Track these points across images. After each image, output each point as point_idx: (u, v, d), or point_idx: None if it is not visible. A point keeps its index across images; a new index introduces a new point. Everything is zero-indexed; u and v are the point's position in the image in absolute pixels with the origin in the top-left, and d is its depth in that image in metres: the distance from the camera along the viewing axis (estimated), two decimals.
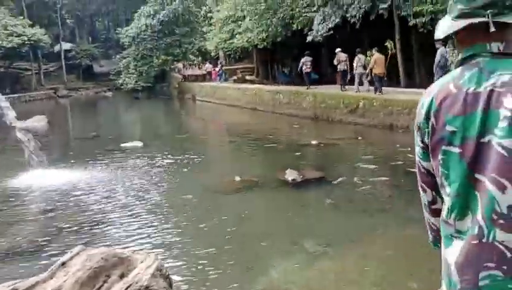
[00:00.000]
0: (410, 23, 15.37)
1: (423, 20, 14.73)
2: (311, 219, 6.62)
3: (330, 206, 7.08)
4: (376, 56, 15.02)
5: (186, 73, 33.40)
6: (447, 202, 1.32)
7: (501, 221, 1.20)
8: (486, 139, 1.24)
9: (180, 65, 35.09)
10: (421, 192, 1.47)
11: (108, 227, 6.45)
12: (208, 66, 30.94)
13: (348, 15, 17.02)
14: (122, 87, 37.42)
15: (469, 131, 1.25)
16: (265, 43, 22.41)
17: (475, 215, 1.25)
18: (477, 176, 1.25)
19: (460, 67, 1.33)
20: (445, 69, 12.99)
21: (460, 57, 1.36)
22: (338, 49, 17.17)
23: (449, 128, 1.28)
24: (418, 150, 1.42)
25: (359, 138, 12.45)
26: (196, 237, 6.02)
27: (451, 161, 1.29)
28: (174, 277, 4.15)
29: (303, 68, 18.77)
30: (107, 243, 5.53)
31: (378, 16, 16.39)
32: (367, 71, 15.55)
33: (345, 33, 19.31)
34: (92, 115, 27.11)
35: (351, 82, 16.83)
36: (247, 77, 28.19)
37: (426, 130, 1.35)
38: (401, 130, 12.97)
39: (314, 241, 5.68)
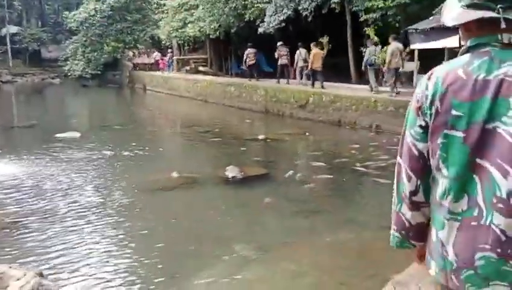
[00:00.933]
0: (362, 19, 15.27)
1: (374, 16, 14.65)
2: (247, 220, 6.25)
3: (268, 206, 6.73)
4: (314, 51, 15.23)
5: (136, 61, 32.28)
6: (443, 184, 1.34)
7: (500, 205, 1.24)
8: (491, 125, 1.26)
9: (131, 53, 33.90)
10: (404, 181, 1.43)
11: (15, 234, 5.69)
12: (157, 55, 30.01)
13: (300, 8, 16.74)
14: (69, 74, 35.72)
15: (475, 117, 1.27)
16: (217, 33, 21.84)
17: (473, 198, 1.29)
18: (478, 161, 1.28)
19: (468, 54, 1.34)
20: (373, 67, 13.42)
21: (468, 44, 1.36)
22: (279, 43, 17.29)
23: (455, 112, 1.30)
24: (414, 131, 1.40)
25: (307, 133, 12.19)
26: (118, 243, 5.49)
27: (452, 144, 1.31)
28: None
29: (246, 60, 18.68)
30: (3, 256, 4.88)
31: (330, 10, 16.20)
32: (308, 65, 15.72)
33: (299, 26, 19.07)
34: (34, 103, 25.68)
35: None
36: (201, 68, 27.52)
37: (428, 112, 1.35)
38: (349, 126, 12.84)
39: (246, 245, 5.31)
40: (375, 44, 13.55)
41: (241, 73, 23.80)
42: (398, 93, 12.41)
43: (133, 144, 11.40)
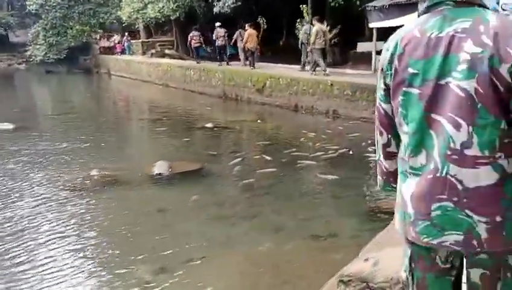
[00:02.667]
0: None
1: None
2: (159, 229, 5.40)
3: (190, 211, 5.91)
4: (249, 31, 15.23)
5: (100, 45, 30.88)
6: (404, 139, 1.41)
7: (454, 156, 1.30)
8: (444, 81, 1.31)
9: (97, 37, 32.39)
10: (378, 135, 1.54)
11: None
12: (116, 38, 28.71)
13: None
14: (31, 60, 34.10)
15: (429, 73, 1.33)
16: (177, 14, 20.68)
17: (430, 152, 1.35)
18: (433, 116, 1.33)
19: (425, 15, 1.39)
20: (307, 45, 13.15)
21: (425, 5, 1.40)
22: (217, 24, 17.10)
23: (411, 70, 1.35)
24: (379, 93, 1.48)
25: (259, 120, 11.33)
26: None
27: (410, 101, 1.36)
28: None
29: (191, 43, 18.49)
30: None
31: None
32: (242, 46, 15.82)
33: (263, 5, 18.12)
34: None
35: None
36: (167, 51, 26.28)
37: (389, 72, 1.41)
38: (306, 111, 12.03)
39: (152, 264, 4.51)
40: (311, 23, 13.28)
41: (207, 56, 22.80)
42: (326, 72, 12.32)
43: (71, 135, 10.46)
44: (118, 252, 4.84)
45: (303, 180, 7.02)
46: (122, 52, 27.46)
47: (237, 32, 16.41)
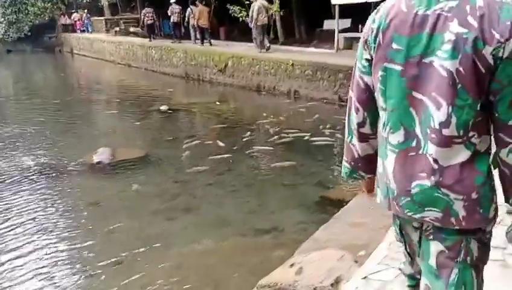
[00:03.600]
0: None
1: None
2: (91, 225, 4.91)
3: (128, 203, 5.44)
4: (200, 8, 15.23)
5: (61, 22, 29.54)
6: (382, 116, 1.39)
7: (433, 135, 1.30)
8: (428, 60, 1.29)
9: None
10: (353, 113, 1.49)
11: None
12: (75, 16, 27.52)
13: None
14: None
15: (413, 51, 1.30)
16: None
17: (409, 130, 1.33)
18: (414, 94, 1.31)
19: None
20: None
21: None
22: (172, 0, 16.73)
23: (394, 46, 1.32)
24: (361, 64, 1.44)
25: (217, 102, 10.79)
26: None
27: (390, 77, 1.33)
28: None
29: (144, 20, 18.25)
30: None
31: None
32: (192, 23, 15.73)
33: None
34: None
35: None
36: (131, 29, 25.26)
37: (373, 45, 1.38)
38: (268, 92, 11.56)
39: (71, 266, 4.04)
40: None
41: (171, 34, 21.98)
42: (268, 49, 12.43)
43: (16, 119, 9.78)
44: (35, 254, 4.33)
45: (255, 168, 6.59)
46: (83, 30, 26.33)
47: (188, 9, 15.93)
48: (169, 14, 16.93)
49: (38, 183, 5.99)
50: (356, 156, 1.54)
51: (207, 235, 4.57)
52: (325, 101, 10.09)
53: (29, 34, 31.86)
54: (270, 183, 6.00)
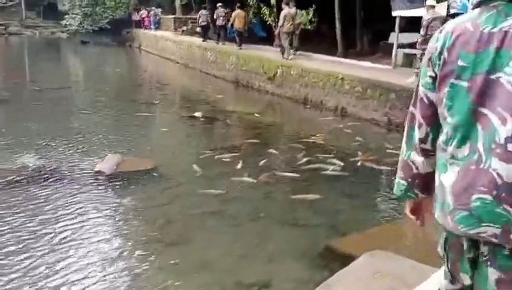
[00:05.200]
0: None
1: None
2: (69, 242, 4.29)
3: (108, 225, 4.77)
4: (236, 12, 15.59)
5: (133, 18, 30.12)
6: (448, 131, 1.39)
7: (498, 150, 1.29)
8: (494, 76, 1.30)
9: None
10: (416, 128, 1.49)
11: None
12: (143, 12, 27.84)
13: None
14: (67, 29, 33.87)
15: (480, 67, 1.32)
16: None
17: (475, 144, 1.34)
18: (480, 109, 1.32)
19: (477, 9, 1.38)
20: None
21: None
22: (219, 4, 17.22)
23: (461, 63, 1.35)
24: (425, 81, 1.46)
25: (256, 114, 9.97)
26: None
27: (457, 93, 1.35)
28: None
29: (199, 21, 18.60)
30: None
31: None
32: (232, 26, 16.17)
33: None
34: (12, 58, 24.06)
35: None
36: (197, 29, 25.19)
37: (437, 62, 1.41)
38: (314, 106, 10.60)
39: None
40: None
41: (232, 37, 21.55)
42: (294, 54, 12.53)
43: (48, 117, 9.56)
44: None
45: (269, 198, 5.71)
46: (146, 27, 26.70)
47: (216, 12, 16.94)
48: (215, 17, 17.45)
49: (21, 189, 5.49)
50: (415, 172, 1.52)
51: (180, 285, 3.79)
52: (373, 122, 8.99)
53: (109, 27, 32.97)
54: (279, 220, 5.09)
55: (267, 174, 6.23)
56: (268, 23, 16.00)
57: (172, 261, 4.15)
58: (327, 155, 7.06)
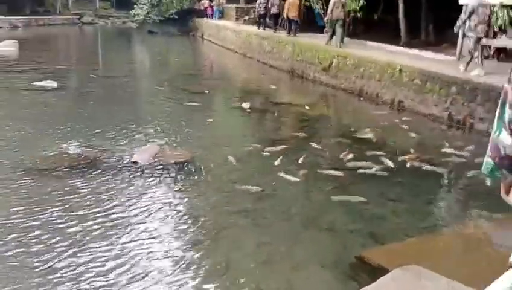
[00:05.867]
0: None
1: None
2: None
3: (130, 218, 4.63)
4: (290, 0, 15.56)
5: (195, 8, 30.35)
6: None
7: None
8: None
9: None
10: (507, 107, 1.37)
11: None
12: (205, 2, 27.88)
13: None
14: (135, 19, 34.78)
15: None
16: None
17: None
18: None
19: None
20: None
21: None
22: None
23: None
24: None
25: (307, 106, 9.53)
26: None
27: None
28: None
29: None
30: None
31: None
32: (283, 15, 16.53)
33: None
34: (84, 46, 25.05)
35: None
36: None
37: None
38: (370, 99, 10.02)
39: None
40: None
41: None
42: (340, 44, 12.44)
43: (99, 102, 9.71)
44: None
45: (305, 198, 5.35)
46: (209, 16, 26.82)
47: (270, 0, 17.31)
48: (269, 6, 17.67)
49: (60, 175, 5.50)
50: (503, 153, 1.39)
51: (194, 286, 3.57)
52: (431, 118, 8.31)
53: (176, 17, 33.50)
54: (313, 223, 4.72)
55: (308, 172, 5.86)
56: None
57: (192, 261, 3.93)
58: (376, 152, 6.55)
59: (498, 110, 1.43)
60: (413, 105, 8.77)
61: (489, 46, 10.22)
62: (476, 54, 8.34)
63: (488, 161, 1.49)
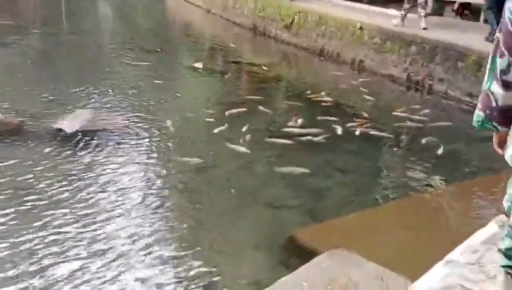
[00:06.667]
0: None
1: None
2: None
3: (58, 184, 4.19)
4: None
5: None
6: None
7: None
8: None
9: None
10: (498, 57, 1.40)
11: None
12: None
13: None
14: None
15: None
16: None
17: None
18: None
19: None
20: None
21: None
22: None
23: None
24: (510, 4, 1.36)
25: (264, 67, 9.00)
26: None
27: None
28: None
29: None
30: None
31: None
32: None
33: None
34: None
35: None
36: None
37: None
38: (331, 58, 9.56)
39: None
40: None
41: None
42: None
43: (39, 61, 9.00)
44: None
45: (246, 170, 4.95)
46: None
47: None
48: None
49: None
50: (493, 104, 1.43)
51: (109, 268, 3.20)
52: (391, 79, 7.96)
53: None
54: (251, 198, 4.36)
55: (254, 140, 5.46)
56: None
57: (108, 248, 3.54)
58: (329, 118, 6.18)
59: (489, 61, 1.43)
60: (373, 65, 8.38)
61: (454, 2, 9.83)
62: (407, 6, 7.98)
63: (478, 113, 1.48)
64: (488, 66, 1.43)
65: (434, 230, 3.60)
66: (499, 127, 1.48)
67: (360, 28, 8.67)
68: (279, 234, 3.72)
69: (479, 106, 1.49)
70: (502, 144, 1.53)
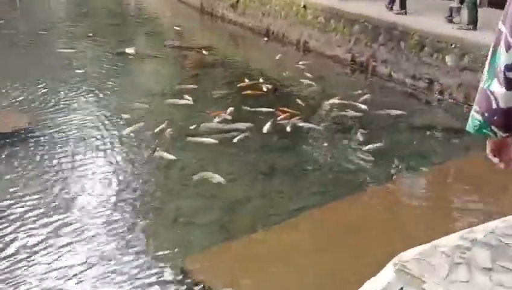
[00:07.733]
0: None
1: None
2: None
3: None
4: None
5: None
6: None
7: None
8: None
9: None
10: (502, 51, 1.18)
11: None
12: None
13: None
14: None
15: None
16: None
17: None
18: None
19: None
20: None
21: None
22: None
23: None
24: None
25: (204, 51, 8.29)
26: None
27: None
28: None
29: None
30: None
31: None
32: None
33: None
34: None
35: None
36: None
37: None
38: (276, 38, 8.93)
39: None
40: None
41: None
42: None
43: None
44: None
45: (161, 177, 4.36)
46: None
47: None
48: None
49: None
50: (494, 106, 1.20)
51: None
52: (335, 60, 7.40)
53: None
54: (158, 214, 3.78)
55: (173, 140, 4.87)
56: None
57: None
58: (262, 109, 5.62)
59: (489, 56, 1.24)
60: (318, 46, 7.81)
61: None
62: None
63: (475, 116, 1.28)
64: (487, 63, 1.24)
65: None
66: (500, 133, 1.26)
67: (304, 6, 8.05)
68: (175, 261, 3.16)
69: (476, 107, 1.28)
70: (501, 152, 1.32)
